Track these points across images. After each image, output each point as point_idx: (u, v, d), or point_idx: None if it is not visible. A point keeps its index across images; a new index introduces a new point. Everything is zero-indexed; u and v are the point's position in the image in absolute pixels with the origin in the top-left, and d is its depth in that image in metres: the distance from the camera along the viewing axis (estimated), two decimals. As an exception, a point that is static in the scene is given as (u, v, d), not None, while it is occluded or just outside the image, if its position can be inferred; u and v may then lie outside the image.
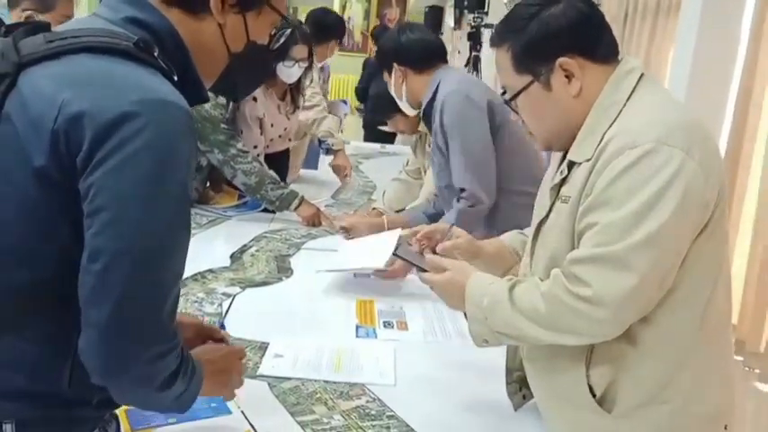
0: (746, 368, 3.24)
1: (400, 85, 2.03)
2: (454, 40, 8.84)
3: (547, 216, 1.12)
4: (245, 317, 1.61)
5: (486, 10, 5.83)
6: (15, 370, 0.78)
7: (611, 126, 1.03)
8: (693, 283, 1.01)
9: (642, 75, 1.07)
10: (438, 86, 2.00)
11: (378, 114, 2.42)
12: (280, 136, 2.69)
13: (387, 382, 1.35)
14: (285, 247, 2.19)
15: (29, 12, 1.98)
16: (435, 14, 9.02)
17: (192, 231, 0.84)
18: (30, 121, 0.75)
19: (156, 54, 0.80)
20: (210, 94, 0.95)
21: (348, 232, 2.26)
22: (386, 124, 2.42)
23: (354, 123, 7.73)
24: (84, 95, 0.74)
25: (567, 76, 1.06)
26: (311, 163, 3.45)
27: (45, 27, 0.83)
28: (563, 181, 1.09)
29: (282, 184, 2.51)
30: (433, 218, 2.15)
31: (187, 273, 1.00)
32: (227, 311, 1.64)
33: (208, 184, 2.63)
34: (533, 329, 1.02)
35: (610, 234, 0.96)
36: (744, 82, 3.40)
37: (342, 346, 1.49)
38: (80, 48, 0.77)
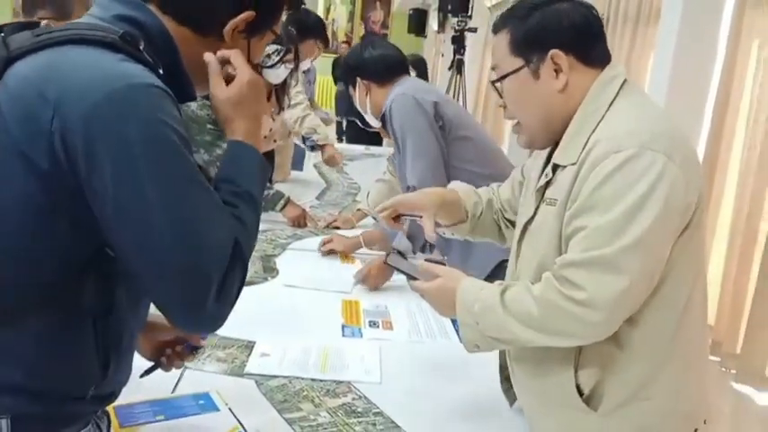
0: (723, 369, 3.31)
1: (364, 99, 2.09)
2: (438, 43, 8.90)
3: (532, 217, 1.14)
4: (231, 316, 1.58)
5: (469, 14, 5.88)
6: (13, 365, 0.78)
7: (594, 130, 1.06)
8: (674, 283, 1.04)
9: (625, 81, 1.11)
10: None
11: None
12: (265, 137, 2.69)
13: (372, 380, 1.37)
14: (271, 248, 2.20)
15: (46, 21, 1.96)
16: (419, 17, 9.07)
17: None
18: (24, 119, 0.75)
19: (141, 47, 0.81)
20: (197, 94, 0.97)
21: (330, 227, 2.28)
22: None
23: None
24: (70, 88, 0.74)
25: (555, 70, 1.09)
26: (297, 164, 3.46)
27: (34, 25, 0.83)
28: (548, 183, 1.12)
29: (268, 184, 2.51)
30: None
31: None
32: (213, 311, 1.64)
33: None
34: (526, 333, 1.03)
35: (599, 238, 0.98)
36: (721, 89, 3.48)
37: (328, 345, 1.50)
38: (65, 40, 0.78)
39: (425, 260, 1.25)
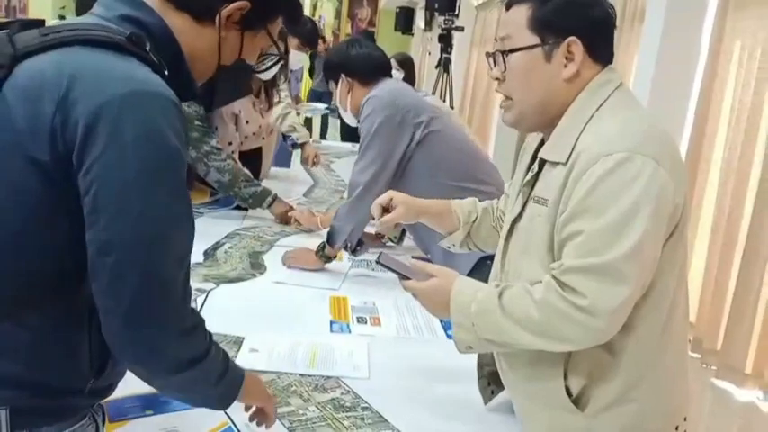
0: (704, 365, 3.36)
1: (345, 96, 2.10)
2: (425, 41, 8.91)
3: (520, 215, 1.15)
4: (220, 312, 1.62)
5: (456, 12, 5.89)
6: (12, 357, 0.79)
7: (583, 130, 1.07)
8: (661, 286, 1.06)
9: (620, 84, 1.12)
10: None
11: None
12: (254, 133, 2.70)
13: (361, 376, 1.39)
14: (258, 245, 2.21)
15: None
16: (406, 16, 9.07)
17: None
18: (28, 115, 0.76)
19: (147, 49, 0.82)
20: None
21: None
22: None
23: (333, 123, 7.76)
24: (77, 88, 0.75)
25: (567, 58, 1.09)
26: (284, 161, 3.46)
27: (39, 23, 0.84)
28: (535, 179, 1.12)
29: (256, 181, 2.52)
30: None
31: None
32: (201, 307, 1.65)
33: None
34: (525, 336, 1.04)
35: (597, 243, 0.99)
36: (704, 89, 3.53)
37: (316, 341, 1.52)
38: (74, 40, 0.79)
39: (412, 257, 1.26)
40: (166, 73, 0.83)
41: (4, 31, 0.82)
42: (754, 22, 3.27)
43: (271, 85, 2.66)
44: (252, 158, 2.73)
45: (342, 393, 1.31)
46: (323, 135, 7.69)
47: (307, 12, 9.96)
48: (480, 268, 1.71)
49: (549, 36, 1.09)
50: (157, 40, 0.85)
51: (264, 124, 2.75)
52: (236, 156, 2.58)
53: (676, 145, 1.09)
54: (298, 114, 3.67)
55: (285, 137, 3.25)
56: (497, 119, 6.42)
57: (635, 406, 1.07)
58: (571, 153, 1.05)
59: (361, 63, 2.07)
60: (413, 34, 9.61)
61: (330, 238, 1.98)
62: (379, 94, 1.99)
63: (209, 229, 2.27)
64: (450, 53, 5.86)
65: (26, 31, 0.81)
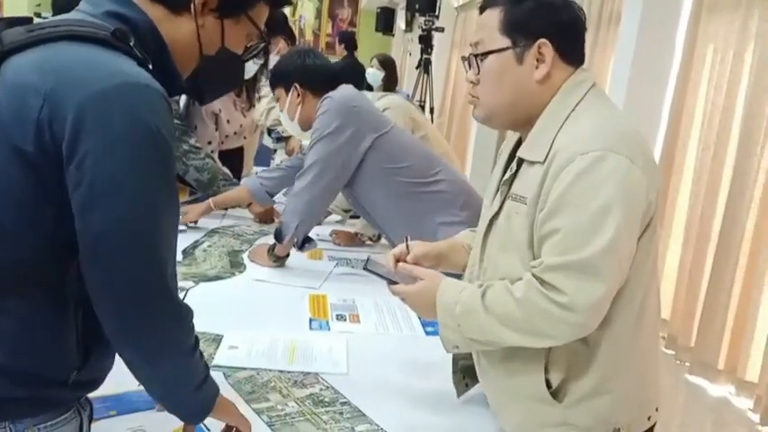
0: (678, 361, 3.42)
1: (296, 106, 2.08)
2: (405, 42, 8.94)
3: (498, 212, 1.17)
4: (199, 310, 1.57)
5: (437, 13, 5.93)
6: None
7: (560, 130, 1.10)
8: (635, 280, 1.09)
9: (593, 85, 1.15)
10: None
11: None
12: (235, 133, 2.70)
13: (340, 371, 1.40)
14: (238, 243, 2.21)
15: None
16: (387, 16, 9.08)
17: None
18: (14, 107, 0.76)
19: (132, 44, 0.83)
20: None
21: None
22: None
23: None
24: (64, 81, 0.76)
25: (537, 60, 1.12)
26: (264, 161, 3.46)
27: (27, 20, 0.85)
28: (513, 178, 1.15)
29: (235, 180, 2.52)
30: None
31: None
32: (181, 305, 1.65)
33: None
34: (508, 334, 1.07)
35: (574, 241, 1.02)
36: (678, 91, 3.60)
37: (295, 338, 1.53)
38: (59, 36, 0.80)
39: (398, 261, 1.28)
40: (150, 67, 0.84)
41: None
42: (726, 26, 3.34)
43: (252, 85, 2.66)
44: (233, 157, 2.73)
45: (321, 389, 1.32)
46: None
47: (286, 11, 9.92)
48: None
49: (520, 39, 1.12)
50: (142, 35, 0.86)
51: (246, 123, 2.75)
52: (216, 155, 2.58)
53: (648, 144, 1.12)
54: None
55: (270, 131, 3.25)
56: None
57: (610, 397, 1.10)
58: (549, 152, 1.08)
59: (318, 74, 2.07)
60: (393, 35, 9.63)
61: (278, 235, 1.99)
62: (337, 95, 2.01)
63: (193, 225, 2.26)
64: (430, 54, 5.90)
65: (12, 28, 0.82)
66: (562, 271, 1.02)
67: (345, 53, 6.80)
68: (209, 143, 2.54)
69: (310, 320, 1.66)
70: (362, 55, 6.34)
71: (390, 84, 3.90)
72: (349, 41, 6.22)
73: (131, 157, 0.76)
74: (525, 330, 1.06)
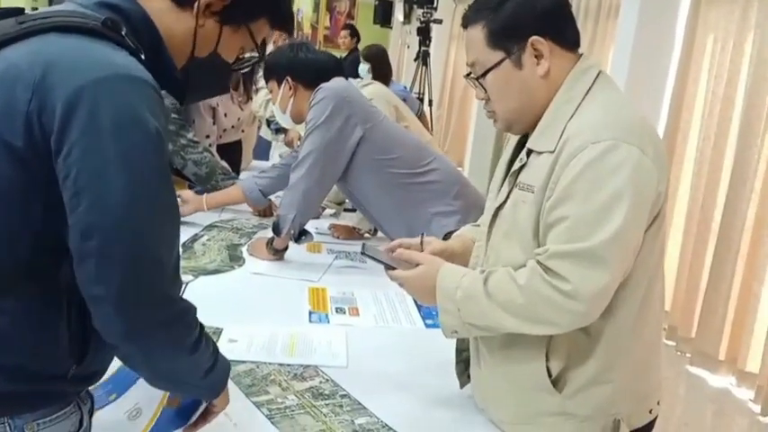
0: (679, 352, 3.43)
1: (288, 99, 2.10)
2: (403, 34, 8.91)
3: (504, 202, 1.16)
4: (199, 303, 1.56)
5: (435, 5, 5.91)
6: None
7: (570, 119, 1.08)
8: (640, 271, 1.08)
9: (600, 72, 1.13)
10: None
11: None
12: (233, 126, 2.69)
13: (339, 364, 1.40)
14: (236, 237, 2.20)
15: None
16: (385, 8, 9.05)
17: None
18: (3, 101, 0.75)
19: (123, 33, 0.82)
20: None
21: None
22: None
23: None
24: (53, 73, 0.75)
25: (536, 56, 1.11)
26: (262, 154, 3.45)
27: (18, 11, 0.84)
28: (521, 168, 1.14)
29: (233, 174, 2.51)
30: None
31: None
32: (180, 298, 1.65)
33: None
34: (509, 320, 1.06)
35: (581, 229, 1.01)
36: (678, 82, 3.59)
37: (295, 331, 1.52)
38: (49, 27, 0.79)
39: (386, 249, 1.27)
40: (143, 57, 0.83)
41: None
42: (725, 15, 3.33)
43: (249, 78, 2.65)
44: (231, 151, 2.72)
45: (320, 382, 1.32)
46: None
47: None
48: None
49: (512, 46, 1.11)
50: (135, 26, 0.85)
51: (243, 116, 2.74)
52: (215, 149, 2.57)
53: (658, 135, 1.11)
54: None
55: (269, 122, 3.24)
56: (476, 110, 6.45)
57: (609, 387, 1.10)
58: (558, 141, 1.07)
59: (310, 67, 2.07)
60: (392, 27, 9.61)
61: (275, 228, 1.99)
62: (329, 86, 2.01)
63: (188, 220, 2.26)
64: (428, 46, 5.88)
65: (3, 20, 0.81)
66: (567, 259, 1.01)
67: (353, 46, 6.79)
68: (208, 137, 2.53)
69: (310, 313, 1.66)
70: (361, 48, 6.32)
71: (381, 76, 3.85)
72: (357, 34, 6.23)
73: (119, 149, 0.75)
74: (527, 317, 1.05)
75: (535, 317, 1.04)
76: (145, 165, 0.77)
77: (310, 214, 2.07)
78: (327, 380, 1.33)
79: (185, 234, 2.13)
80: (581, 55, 1.16)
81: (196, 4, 0.89)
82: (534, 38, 1.09)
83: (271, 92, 2.15)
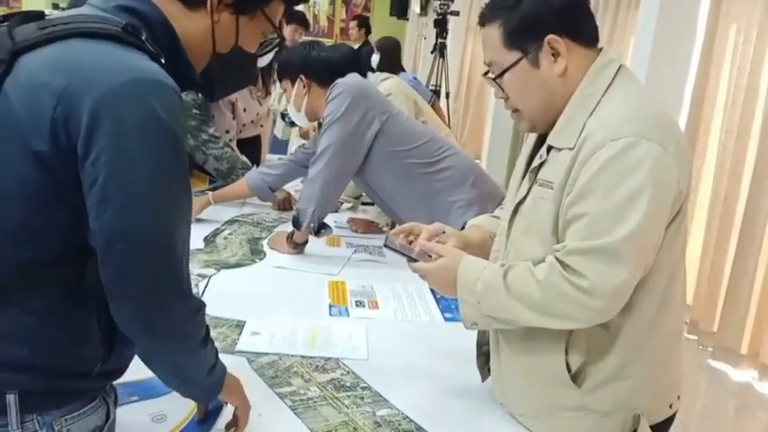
0: (700, 347, 3.40)
1: (302, 97, 2.11)
2: (420, 26, 8.88)
3: (525, 198, 1.16)
4: (221, 296, 1.64)
5: (452, -3, 5.87)
6: (18, 342, 0.81)
7: (590, 115, 1.08)
8: (660, 268, 1.08)
9: (621, 67, 1.13)
10: None
11: None
12: (252, 121, 2.70)
13: (360, 357, 1.41)
14: (257, 231, 2.23)
15: None
16: (401, 0, 9.03)
17: None
18: (28, 107, 0.77)
19: (144, 38, 0.83)
20: None
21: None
22: None
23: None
24: (77, 80, 0.76)
25: (553, 55, 1.10)
26: (281, 148, 3.47)
27: (39, 15, 0.85)
28: (541, 164, 1.14)
29: (253, 168, 2.53)
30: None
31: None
32: (203, 292, 1.68)
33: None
34: (527, 314, 1.07)
35: (600, 226, 1.01)
36: (700, 73, 3.54)
37: (316, 324, 1.54)
38: (71, 33, 0.80)
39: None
40: (163, 61, 0.84)
41: (5, 25, 0.83)
42: (749, 4, 3.27)
43: (267, 72, 2.66)
44: (251, 146, 2.74)
45: (342, 374, 1.33)
46: None
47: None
48: None
49: (528, 45, 1.10)
50: (154, 29, 0.86)
51: (263, 111, 2.76)
52: (234, 144, 2.59)
53: (681, 130, 1.10)
54: None
55: (283, 115, 3.25)
56: (493, 102, 6.41)
57: (629, 383, 1.10)
58: (578, 137, 1.07)
59: (323, 64, 2.09)
60: (408, 19, 9.57)
61: (295, 222, 2.00)
62: (345, 81, 2.02)
63: (209, 215, 2.28)
64: (445, 38, 5.85)
65: (25, 25, 0.82)
66: (585, 255, 1.01)
67: (364, 38, 6.77)
68: (228, 132, 2.55)
69: (330, 306, 1.67)
70: (373, 40, 6.31)
71: (392, 67, 3.85)
72: (366, 26, 6.20)
73: (145, 156, 0.77)
74: (544, 312, 1.05)
75: (553, 312, 1.05)
76: (169, 169, 0.80)
77: (329, 207, 2.09)
78: (348, 372, 1.34)
79: (207, 228, 2.16)
80: (600, 49, 1.15)
81: (209, 2, 0.90)
82: (551, 36, 1.09)
83: (284, 91, 2.17)
